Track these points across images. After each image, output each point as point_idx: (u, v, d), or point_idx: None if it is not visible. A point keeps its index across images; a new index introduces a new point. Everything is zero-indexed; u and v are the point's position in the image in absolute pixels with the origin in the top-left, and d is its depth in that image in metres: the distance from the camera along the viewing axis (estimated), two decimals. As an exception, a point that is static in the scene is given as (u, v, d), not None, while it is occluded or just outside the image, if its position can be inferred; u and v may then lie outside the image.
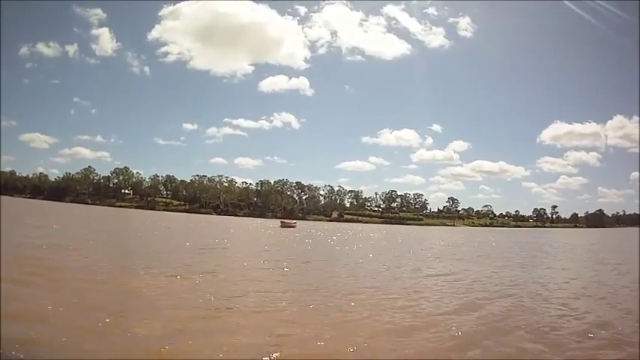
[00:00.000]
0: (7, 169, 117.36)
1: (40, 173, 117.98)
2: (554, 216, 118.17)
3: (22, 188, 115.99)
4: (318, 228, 55.52)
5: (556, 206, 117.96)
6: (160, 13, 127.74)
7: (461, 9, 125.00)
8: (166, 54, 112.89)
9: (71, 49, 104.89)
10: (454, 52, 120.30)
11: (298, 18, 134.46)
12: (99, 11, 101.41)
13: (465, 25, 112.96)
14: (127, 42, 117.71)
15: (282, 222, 54.27)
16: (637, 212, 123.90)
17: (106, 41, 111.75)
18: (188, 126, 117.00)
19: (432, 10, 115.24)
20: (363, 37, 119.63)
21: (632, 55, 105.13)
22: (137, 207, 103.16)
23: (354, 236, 39.35)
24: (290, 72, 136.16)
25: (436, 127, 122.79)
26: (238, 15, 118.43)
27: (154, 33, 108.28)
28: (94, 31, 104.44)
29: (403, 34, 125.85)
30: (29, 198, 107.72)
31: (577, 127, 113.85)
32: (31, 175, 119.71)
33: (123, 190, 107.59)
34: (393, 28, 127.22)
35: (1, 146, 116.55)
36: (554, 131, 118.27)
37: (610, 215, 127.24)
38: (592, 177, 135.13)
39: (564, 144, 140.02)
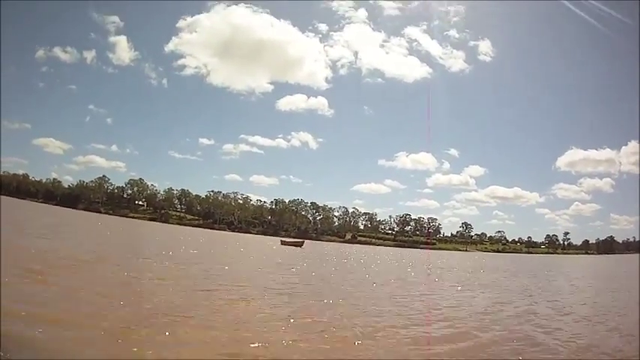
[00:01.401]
0: (21, 172, 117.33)
1: (54, 179, 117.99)
2: (565, 243, 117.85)
3: (35, 192, 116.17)
4: (330, 250, 52.76)
5: (568, 232, 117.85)
6: (178, 25, 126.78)
7: (481, 32, 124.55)
8: (184, 67, 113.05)
9: (89, 55, 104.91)
10: (473, 76, 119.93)
11: (320, 36, 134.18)
12: (116, 19, 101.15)
13: (484, 49, 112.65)
14: (144, 52, 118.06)
15: (282, 241, 51.01)
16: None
17: (123, 50, 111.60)
18: (204, 141, 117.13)
19: (453, 33, 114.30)
20: (384, 59, 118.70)
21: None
22: (150, 219, 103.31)
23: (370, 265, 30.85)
24: (309, 91, 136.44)
25: (453, 152, 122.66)
26: (258, 30, 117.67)
27: (172, 45, 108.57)
28: (112, 39, 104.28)
29: (424, 56, 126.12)
30: (41, 202, 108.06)
31: (592, 153, 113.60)
32: (44, 180, 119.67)
33: (137, 202, 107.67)
34: (415, 50, 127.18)
35: (14, 149, 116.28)
36: (570, 157, 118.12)
37: (620, 242, 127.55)
38: (605, 203, 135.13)
39: (579, 170, 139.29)
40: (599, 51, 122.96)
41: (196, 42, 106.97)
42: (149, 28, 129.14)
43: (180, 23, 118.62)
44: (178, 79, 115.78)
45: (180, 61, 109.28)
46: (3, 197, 68.24)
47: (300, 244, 46.84)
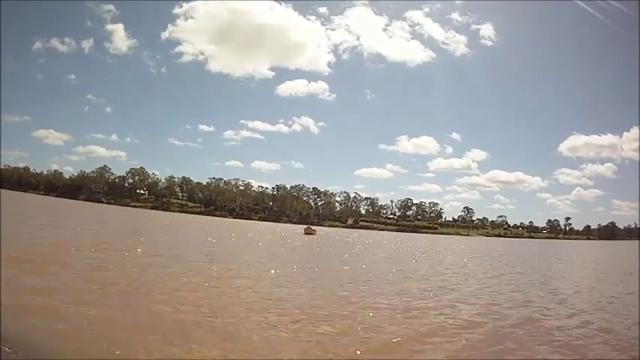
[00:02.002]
0: (21, 164, 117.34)
1: (55, 170, 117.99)
2: (567, 228, 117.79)
3: (36, 184, 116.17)
4: (340, 235, 53.77)
5: (569, 218, 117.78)
6: (174, 11, 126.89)
7: (483, 15, 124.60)
8: (182, 54, 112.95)
9: (87, 44, 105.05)
10: (476, 60, 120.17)
11: (321, 20, 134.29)
12: (112, 7, 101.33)
13: (487, 32, 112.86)
14: (142, 40, 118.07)
15: (306, 228, 51.77)
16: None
17: (120, 38, 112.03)
18: (205, 127, 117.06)
19: (455, 16, 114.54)
20: (386, 43, 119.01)
21: None
22: (152, 207, 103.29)
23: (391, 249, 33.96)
24: (311, 76, 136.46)
25: (455, 136, 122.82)
26: (257, 15, 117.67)
27: (169, 32, 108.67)
28: (109, 27, 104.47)
29: (426, 41, 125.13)
30: (43, 195, 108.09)
31: (595, 138, 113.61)
32: (45, 172, 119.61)
33: (138, 190, 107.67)
34: (417, 34, 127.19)
35: (15, 142, 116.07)
36: (572, 142, 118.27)
37: (622, 228, 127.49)
38: (607, 189, 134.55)
39: (581, 156, 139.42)
40: (602, 37, 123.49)
41: (193, 28, 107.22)
42: (145, 15, 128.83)
43: (177, 10, 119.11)
44: (177, 67, 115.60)
45: (178, 48, 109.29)
46: (4, 191, 68.22)
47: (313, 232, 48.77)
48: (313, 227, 54.82)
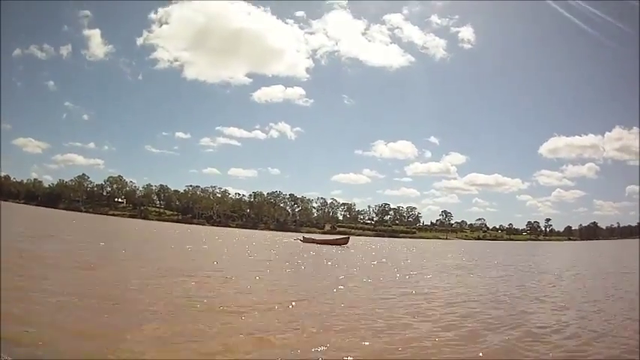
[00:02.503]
0: (3, 173, 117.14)
1: (35, 179, 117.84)
2: (547, 229, 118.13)
3: (17, 193, 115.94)
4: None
5: (549, 219, 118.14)
6: (150, 16, 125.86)
7: (463, 18, 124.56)
8: (157, 60, 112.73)
9: (65, 50, 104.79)
10: (455, 64, 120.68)
11: (299, 24, 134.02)
12: (88, 12, 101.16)
13: (466, 35, 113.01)
14: (118, 46, 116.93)
15: (304, 238, 36.95)
16: (632, 224, 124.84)
17: (97, 44, 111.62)
18: (181, 135, 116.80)
19: (434, 19, 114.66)
20: (365, 47, 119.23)
21: (633, 65, 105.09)
22: (130, 216, 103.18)
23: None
24: (288, 82, 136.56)
25: (433, 139, 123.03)
26: (234, 20, 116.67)
27: (144, 38, 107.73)
28: (86, 32, 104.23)
29: (405, 44, 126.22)
30: (23, 204, 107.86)
31: (576, 139, 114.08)
32: (25, 181, 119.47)
33: (116, 199, 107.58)
34: (396, 37, 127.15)
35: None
36: (553, 144, 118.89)
37: (604, 228, 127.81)
38: (589, 189, 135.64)
39: (562, 157, 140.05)
40: (582, 37, 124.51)
41: (168, 34, 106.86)
42: (122, 20, 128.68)
43: (152, 15, 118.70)
44: (152, 73, 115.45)
45: (154, 55, 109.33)
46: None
47: (343, 242, 34.51)
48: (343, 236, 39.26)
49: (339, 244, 33.67)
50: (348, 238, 35.79)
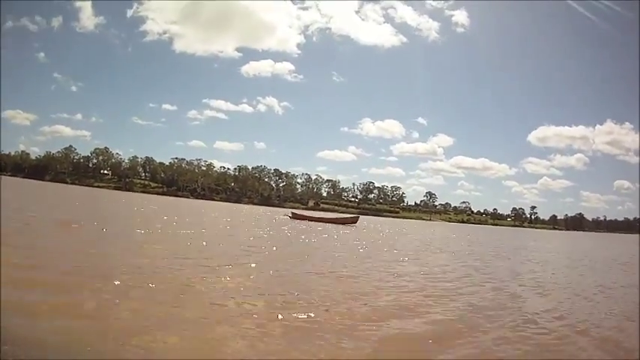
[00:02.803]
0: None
1: (22, 151, 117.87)
2: (532, 216, 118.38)
3: (4, 166, 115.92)
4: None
5: (535, 207, 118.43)
6: None
7: (457, 2, 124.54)
8: (146, 32, 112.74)
9: (56, 22, 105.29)
10: (448, 46, 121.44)
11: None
12: None
13: (460, 18, 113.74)
14: (109, 17, 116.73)
15: (293, 213, 33.46)
16: (618, 219, 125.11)
17: (87, 16, 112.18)
18: (168, 107, 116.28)
19: (429, 0, 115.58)
20: (358, 26, 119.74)
21: (630, 56, 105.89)
22: (115, 188, 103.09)
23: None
24: (278, 57, 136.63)
25: (421, 120, 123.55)
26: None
27: (134, 10, 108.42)
28: (78, 3, 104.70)
29: (398, 25, 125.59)
30: (10, 176, 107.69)
31: (565, 129, 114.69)
32: (13, 153, 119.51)
33: (102, 171, 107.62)
34: (389, 17, 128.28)
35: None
36: (542, 132, 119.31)
37: (590, 219, 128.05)
38: (576, 180, 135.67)
39: (551, 146, 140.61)
40: (580, 26, 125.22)
41: (159, 6, 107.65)
42: None
43: None
44: (142, 45, 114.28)
45: (143, 27, 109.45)
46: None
47: (351, 221, 30.67)
48: (352, 215, 35.86)
49: (346, 224, 29.48)
50: (358, 217, 31.74)
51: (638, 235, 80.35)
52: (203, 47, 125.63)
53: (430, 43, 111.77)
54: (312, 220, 29.98)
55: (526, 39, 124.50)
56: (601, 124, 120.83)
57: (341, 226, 27.86)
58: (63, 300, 4.84)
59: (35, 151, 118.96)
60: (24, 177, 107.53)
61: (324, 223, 27.92)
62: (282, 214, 37.39)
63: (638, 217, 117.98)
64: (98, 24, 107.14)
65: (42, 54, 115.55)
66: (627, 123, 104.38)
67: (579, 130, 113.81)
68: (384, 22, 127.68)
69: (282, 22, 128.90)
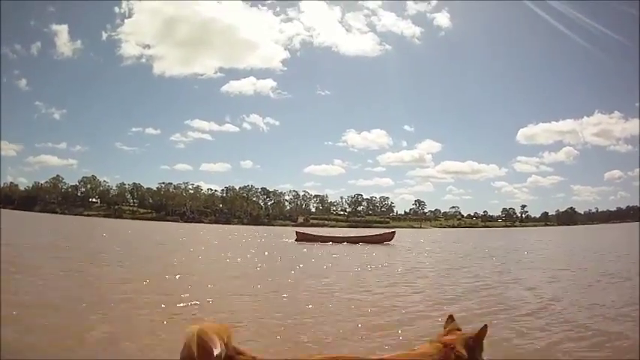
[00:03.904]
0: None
1: (11, 182, 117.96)
2: (523, 215, 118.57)
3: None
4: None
5: (525, 205, 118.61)
6: (116, 10, 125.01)
7: (439, 4, 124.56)
8: (124, 56, 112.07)
9: (35, 48, 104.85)
10: (431, 50, 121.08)
11: (274, 10, 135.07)
12: (53, 9, 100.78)
13: (442, 21, 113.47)
14: (86, 42, 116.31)
15: (298, 233, 26.04)
16: (610, 209, 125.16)
17: (64, 41, 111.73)
18: (151, 131, 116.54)
19: (411, 4, 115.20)
20: (341, 36, 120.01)
21: (615, 45, 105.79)
22: (104, 216, 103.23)
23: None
24: (262, 74, 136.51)
25: (408, 128, 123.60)
26: (203, 10, 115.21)
27: (110, 32, 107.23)
28: (54, 27, 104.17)
29: (381, 32, 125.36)
30: (1, 207, 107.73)
31: (553, 125, 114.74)
32: (2, 185, 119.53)
33: (90, 199, 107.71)
34: (372, 25, 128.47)
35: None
36: (531, 130, 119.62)
37: (582, 213, 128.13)
38: (567, 175, 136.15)
39: (540, 143, 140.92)
40: (560, 22, 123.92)
41: (135, 28, 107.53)
42: (88, 15, 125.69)
43: (117, 8, 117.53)
44: (120, 69, 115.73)
45: (121, 50, 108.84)
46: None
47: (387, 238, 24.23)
48: (388, 230, 28.71)
49: (380, 242, 23.20)
50: (394, 232, 24.94)
51: (633, 223, 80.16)
52: (183, 68, 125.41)
53: (414, 48, 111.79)
54: (324, 241, 22.83)
55: (507, 37, 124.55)
56: (589, 116, 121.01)
57: (364, 245, 21.29)
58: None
59: (23, 182, 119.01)
60: (13, 208, 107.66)
61: (345, 244, 21.70)
62: (280, 236, 30.96)
63: (636, 205, 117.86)
64: (76, 49, 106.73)
65: (23, 81, 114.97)
66: (616, 112, 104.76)
67: (567, 124, 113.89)
68: (369, 31, 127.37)
69: (266, 38, 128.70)
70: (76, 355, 4.06)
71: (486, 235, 51.81)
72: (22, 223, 34.35)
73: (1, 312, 5.04)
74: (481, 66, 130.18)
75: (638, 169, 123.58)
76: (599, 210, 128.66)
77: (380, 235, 25.28)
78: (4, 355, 3.36)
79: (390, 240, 23.85)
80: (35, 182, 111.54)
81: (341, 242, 23.31)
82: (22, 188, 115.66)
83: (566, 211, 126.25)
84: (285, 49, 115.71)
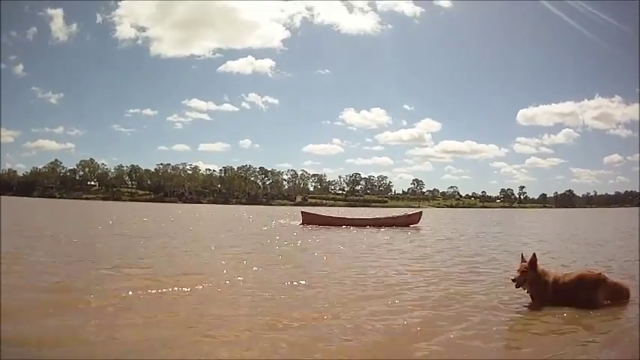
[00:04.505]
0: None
1: (9, 169, 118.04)
2: (521, 196, 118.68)
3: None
4: None
5: (524, 187, 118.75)
6: None
7: None
8: (121, 38, 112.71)
9: (31, 33, 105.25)
10: (432, 30, 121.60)
11: None
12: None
13: (444, 2, 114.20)
14: (82, 25, 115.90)
15: (304, 214, 20.62)
16: (609, 193, 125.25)
17: (60, 25, 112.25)
18: (148, 112, 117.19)
19: None
20: (341, 14, 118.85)
21: (617, 31, 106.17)
22: (103, 199, 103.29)
23: None
24: (260, 54, 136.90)
25: (407, 107, 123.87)
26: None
27: (107, 14, 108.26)
28: (49, 11, 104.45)
29: (382, 11, 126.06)
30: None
31: (554, 107, 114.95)
32: (0, 172, 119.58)
33: (89, 182, 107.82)
34: (373, 4, 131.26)
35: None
36: (531, 111, 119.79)
37: (580, 196, 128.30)
38: (566, 157, 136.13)
39: (540, 124, 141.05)
40: (563, 9, 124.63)
41: (129, 9, 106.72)
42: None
43: None
44: (117, 51, 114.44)
45: (117, 32, 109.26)
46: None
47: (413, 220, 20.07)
48: (413, 210, 23.35)
49: (407, 225, 19.28)
50: (421, 213, 20.96)
51: (631, 207, 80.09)
52: (180, 50, 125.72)
53: (415, 28, 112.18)
54: (337, 225, 18.26)
55: (509, 18, 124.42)
56: (589, 99, 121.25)
57: (385, 229, 17.36)
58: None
59: (22, 168, 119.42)
60: (12, 194, 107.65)
61: (360, 228, 17.73)
62: (282, 218, 27.07)
63: (635, 190, 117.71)
64: (71, 33, 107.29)
65: (20, 67, 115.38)
66: (617, 96, 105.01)
67: (568, 106, 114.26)
68: (370, 10, 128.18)
69: (265, 18, 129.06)
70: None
71: (519, 215, 47.81)
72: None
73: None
74: (482, 46, 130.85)
75: (638, 155, 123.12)
76: (598, 194, 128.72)
77: (408, 216, 20.53)
78: (4, 355, 3.29)
79: (417, 222, 19.87)
80: (33, 168, 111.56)
81: (364, 226, 18.37)
82: (20, 174, 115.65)
83: (564, 193, 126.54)
84: (285, 29, 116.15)
